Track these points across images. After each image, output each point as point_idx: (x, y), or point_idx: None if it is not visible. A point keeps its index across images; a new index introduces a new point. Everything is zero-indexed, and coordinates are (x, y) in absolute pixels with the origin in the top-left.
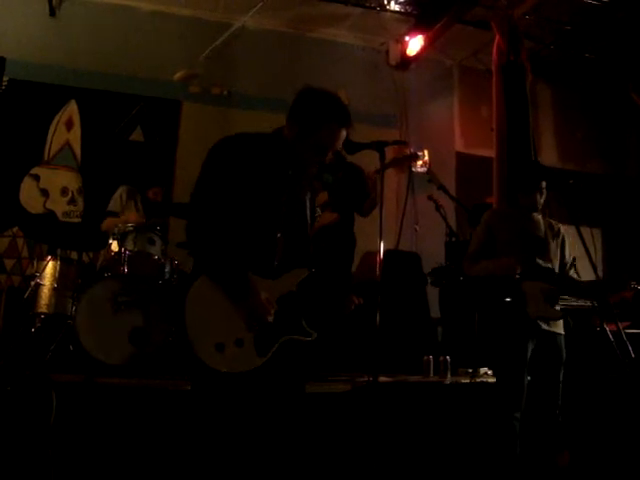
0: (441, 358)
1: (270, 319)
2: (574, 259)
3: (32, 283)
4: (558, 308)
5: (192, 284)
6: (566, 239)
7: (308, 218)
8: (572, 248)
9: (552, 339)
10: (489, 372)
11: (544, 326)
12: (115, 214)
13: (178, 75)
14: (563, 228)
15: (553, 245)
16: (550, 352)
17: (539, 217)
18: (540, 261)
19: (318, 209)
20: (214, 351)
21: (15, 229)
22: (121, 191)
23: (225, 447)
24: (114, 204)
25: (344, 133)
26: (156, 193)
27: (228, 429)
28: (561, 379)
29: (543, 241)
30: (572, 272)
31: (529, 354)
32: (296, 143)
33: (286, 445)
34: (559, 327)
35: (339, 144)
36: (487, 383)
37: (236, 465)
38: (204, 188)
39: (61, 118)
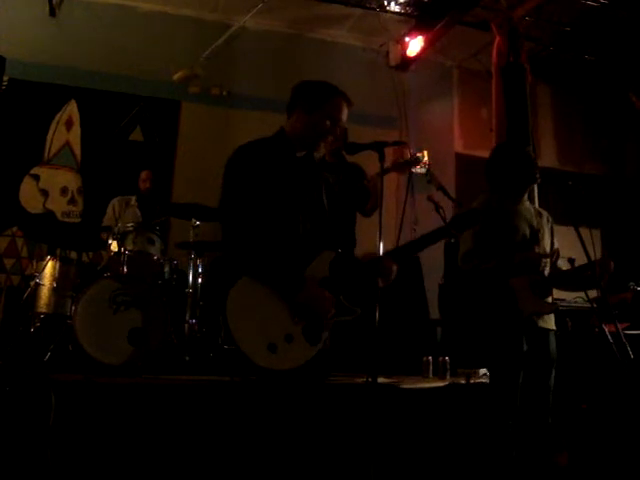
0: (440, 359)
1: (333, 310)
2: (558, 250)
3: (31, 283)
4: (550, 300)
5: (230, 291)
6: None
7: (326, 205)
8: (571, 249)
9: (544, 337)
10: (488, 373)
11: (538, 323)
12: (110, 228)
13: (178, 75)
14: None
15: (546, 233)
16: (542, 352)
17: (529, 205)
18: (537, 251)
19: None
20: (268, 353)
21: (15, 229)
22: (112, 205)
23: (242, 439)
24: (107, 219)
25: (346, 109)
26: (145, 180)
27: (263, 422)
28: (552, 381)
29: (537, 230)
30: (559, 263)
31: (523, 355)
32: (305, 128)
33: (298, 436)
34: (551, 323)
35: (344, 118)
36: (486, 384)
37: (249, 457)
38: (235, 195)
39: (61, 118)
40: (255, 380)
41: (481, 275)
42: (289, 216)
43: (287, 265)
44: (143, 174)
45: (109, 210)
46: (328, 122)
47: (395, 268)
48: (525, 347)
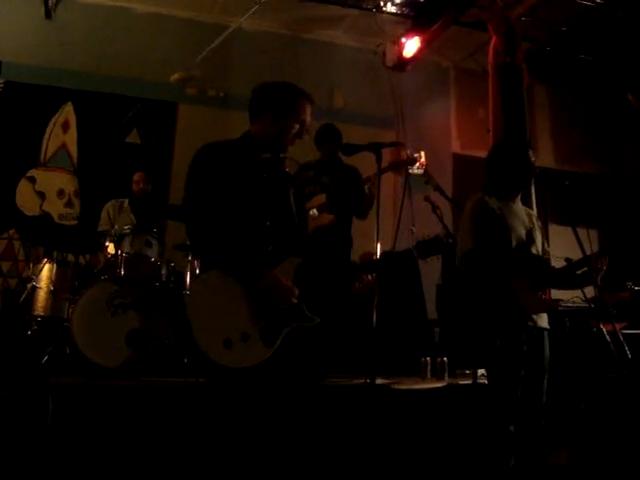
0: (438, 359)
1: (295, 300)
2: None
3: (28, 286)
4: (545, 297)
5: (192, 284)
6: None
7: (294, 209)
8: (569, 249)
9: (540, 337)
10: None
11: (537, 322)
12: (106, 234)
13: (174, 77)
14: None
15: (538, 233)
16: (538, 352)
17: (521, 205)
18: (533, 251)
19: (315, 210)
20: (222, 348)
21: (11, 231)
22: (107, 209)
23: (237, 442)
24: (103, 223)
25: (310, 108)
26: (138, 182)
27: (241, 424)
28: (546, 382)
29: (530, 230)
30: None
31: (524, 356)
32: (273, 132)
33: (295, 438)
34: (545, 322)
35: (309, 119)
36: (484, 385)
37: (247, 460)
38: (198, 191)
39: (57, 120)
40: (219, 381)
41: (483, 276)
42: (248, 213)
43: (247, 254)
44: (136, 176)
45: (103, 215)
46: (296, 125)
47: (368, 277)
48: (525, 348)
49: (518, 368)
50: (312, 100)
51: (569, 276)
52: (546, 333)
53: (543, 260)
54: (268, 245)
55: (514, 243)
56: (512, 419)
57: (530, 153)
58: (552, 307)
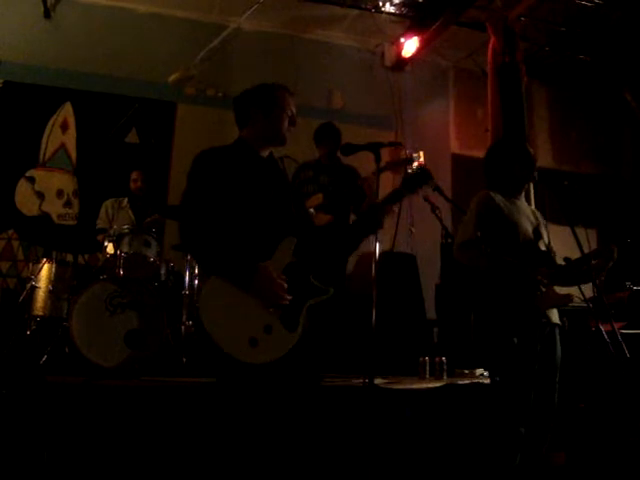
0: (437, 359)
1: (287, 297)
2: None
3: (27, 286)
4: (562, 292)
5: (202, 291)
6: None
7: (292, 203)
8: (567, 249)
9: (552, 334)
10: (485, 373)
11: (551, 318)
12: (104, 230)
13: (173, 77)
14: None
15: (543, 229)
16: (550, 350)
17: (525, 203)
18: (542, 246)
19: (312, 210)
20: (250, 348)
21: (10, 232)
22: (105, 206)
23: (250, 441)
24: (101, 221)
25: (291, 99)
26: (135, 180)
27: (262, 422)
28: (557, 380)
29: (537, 226)
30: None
31: (538, 355)
32: (268, 129)
33: (300, 438)
34: (556, 316)
35: (294, 109)
36: (483, 384)
37: (253, 459)
38: (195, 194)
39: (56, 120)
40: (241, 380)
41: (480, 265)
42: (247, 208)
43: (237, 257)
44: (134, 174)
45: (102, 212)
46: (286, 115)
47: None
48: (539, 346)
49: (533, 367)
50: (290, 91)
51: (572, 273)
52: (557, 330)
53: (550, 256)
54: (273, 239)
55: (521, 239)
56: (524, 421)
57: (528, 146)
58: (565, 301)
